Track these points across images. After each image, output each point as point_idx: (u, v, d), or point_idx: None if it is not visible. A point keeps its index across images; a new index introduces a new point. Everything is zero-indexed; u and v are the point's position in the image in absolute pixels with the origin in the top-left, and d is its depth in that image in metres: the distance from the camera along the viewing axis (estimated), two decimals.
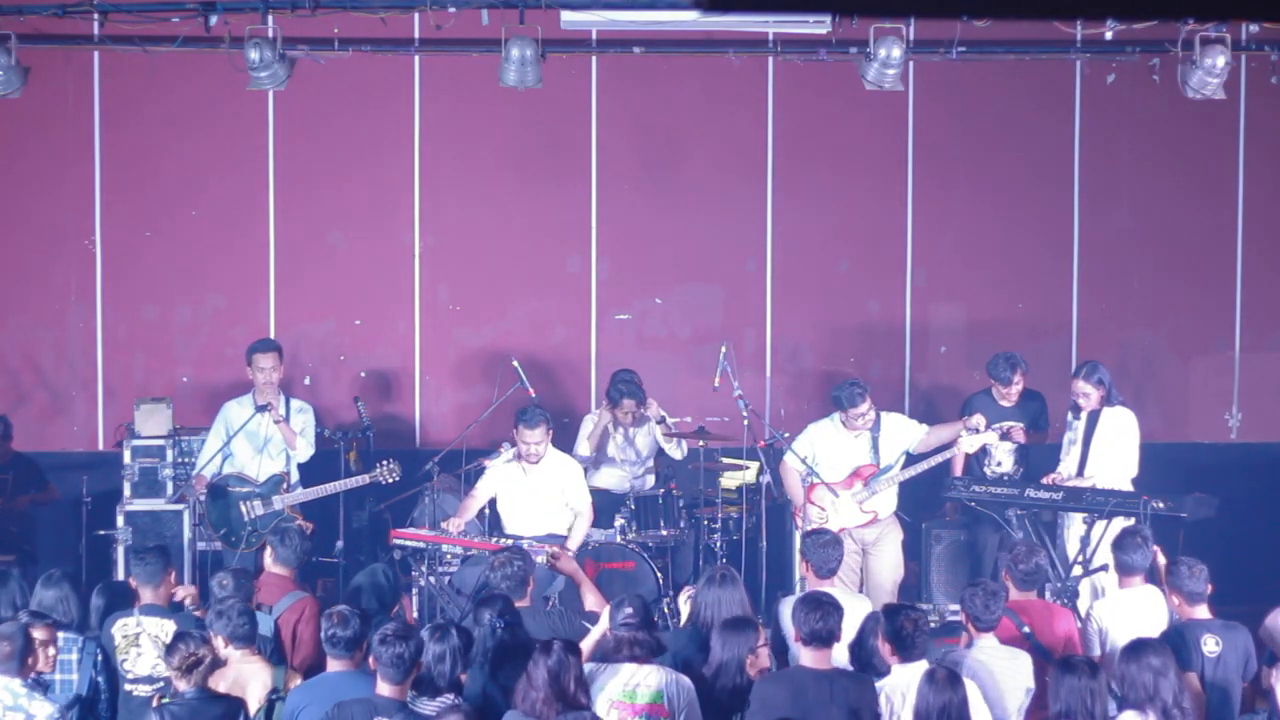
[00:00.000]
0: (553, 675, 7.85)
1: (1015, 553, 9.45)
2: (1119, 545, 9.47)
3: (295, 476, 11.70)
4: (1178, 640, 8.79)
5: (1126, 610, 9.28)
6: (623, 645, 8.27)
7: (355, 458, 12.13)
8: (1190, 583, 8.97)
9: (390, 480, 11.52)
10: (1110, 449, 11.20)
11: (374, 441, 12.20)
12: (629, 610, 8.32)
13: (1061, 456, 11.48)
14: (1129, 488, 11.12)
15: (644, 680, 8.23)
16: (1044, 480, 11.34)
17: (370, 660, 8.13)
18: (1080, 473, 11.27)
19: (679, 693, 8.22)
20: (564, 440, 11.95)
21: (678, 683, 8.25)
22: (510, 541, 10.81)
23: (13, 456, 12.17)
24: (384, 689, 7.91)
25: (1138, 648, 8.18)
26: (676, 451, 12.14)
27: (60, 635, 8.75)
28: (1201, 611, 9.01)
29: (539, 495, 11.32)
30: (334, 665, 8.34)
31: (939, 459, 11.34)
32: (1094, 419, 11.26)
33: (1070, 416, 11.43)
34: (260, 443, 11.67)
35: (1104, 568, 10.58)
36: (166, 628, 9.08)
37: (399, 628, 8.04)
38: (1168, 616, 9.24)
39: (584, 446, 12.00)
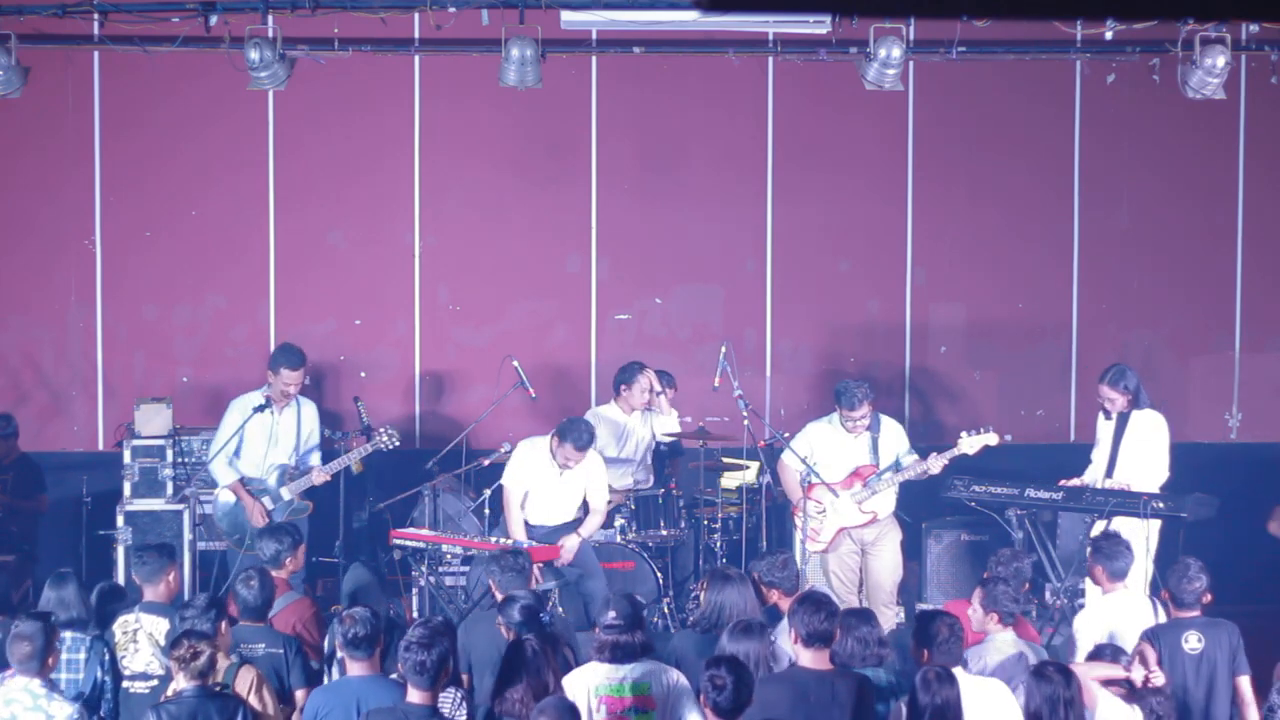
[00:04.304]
0: (531, 670, 7.87)
1: (999, 556, 9.54)
2: (1106, 553, 9.42)
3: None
4: (1159, 639, 8.80)
5: (1108, 616, 9.29)
6: (605, 648, 8.27)
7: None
8: (1184, 585, 8.95)
9: (390, 446, 11.41)
10: (1138, 452, 11.14)
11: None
12: (612, 614, 8.31)
13: (1093, 458, 11.43)
14: (1157, 492, 11.07)
15: (630, 675, 8.24)
16: (1063, 483, 11.30)
17: (399, 665, 8.10)
18: (1109, 475, 11.22)
19: (666, 684, 8.23)
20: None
21: (665, 674, 8.27)
22: (511, 543, 10.84)
23: (18, 457, 12.17)
24: (413, 695, 7.85)
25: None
26: (671, 422, 12.13)
27: (68, 635, 8.76)
28: (1187, 611, 9.00)
29: (569, 488, 11.37)
30: (354, 668, 8.21)
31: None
32: (1123, 421, 11.20)
33: (1101, 418, 11.36)
34: (272, 438, 11.50)
35: None
36: (160, 625, 9.09)
37: (424, 634, 7.89)
38: (1152, 618, 9.24)
39: (611, 447, 11.97)
